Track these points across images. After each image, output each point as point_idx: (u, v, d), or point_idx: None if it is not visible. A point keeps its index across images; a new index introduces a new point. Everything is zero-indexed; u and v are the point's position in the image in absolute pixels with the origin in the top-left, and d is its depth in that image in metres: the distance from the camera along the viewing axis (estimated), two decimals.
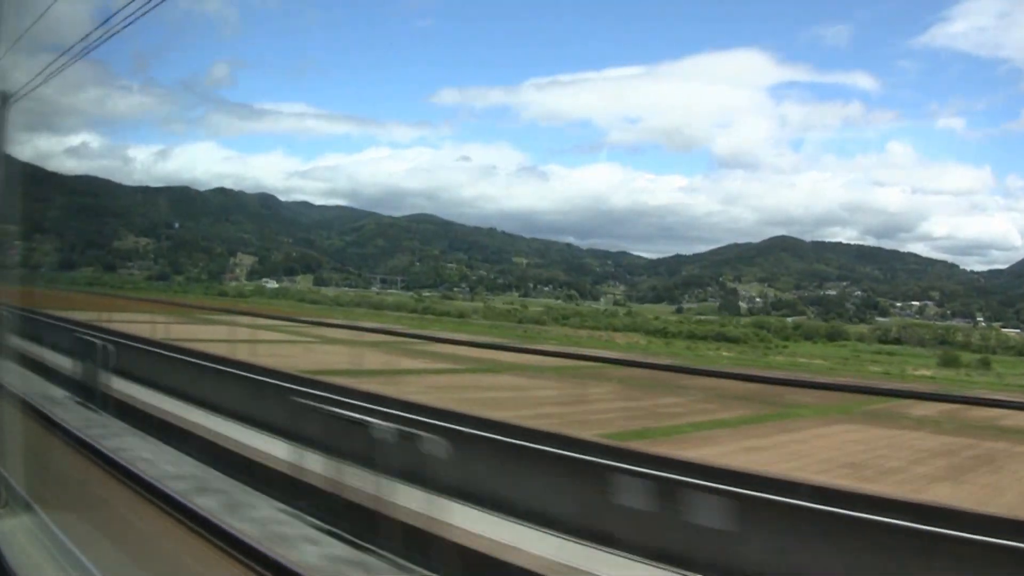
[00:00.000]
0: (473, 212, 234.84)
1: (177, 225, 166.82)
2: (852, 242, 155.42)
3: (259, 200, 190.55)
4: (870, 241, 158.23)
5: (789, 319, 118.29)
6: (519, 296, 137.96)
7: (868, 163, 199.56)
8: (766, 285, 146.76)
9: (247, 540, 9.79)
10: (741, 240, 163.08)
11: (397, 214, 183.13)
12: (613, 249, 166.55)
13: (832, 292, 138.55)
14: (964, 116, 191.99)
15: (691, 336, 78.92)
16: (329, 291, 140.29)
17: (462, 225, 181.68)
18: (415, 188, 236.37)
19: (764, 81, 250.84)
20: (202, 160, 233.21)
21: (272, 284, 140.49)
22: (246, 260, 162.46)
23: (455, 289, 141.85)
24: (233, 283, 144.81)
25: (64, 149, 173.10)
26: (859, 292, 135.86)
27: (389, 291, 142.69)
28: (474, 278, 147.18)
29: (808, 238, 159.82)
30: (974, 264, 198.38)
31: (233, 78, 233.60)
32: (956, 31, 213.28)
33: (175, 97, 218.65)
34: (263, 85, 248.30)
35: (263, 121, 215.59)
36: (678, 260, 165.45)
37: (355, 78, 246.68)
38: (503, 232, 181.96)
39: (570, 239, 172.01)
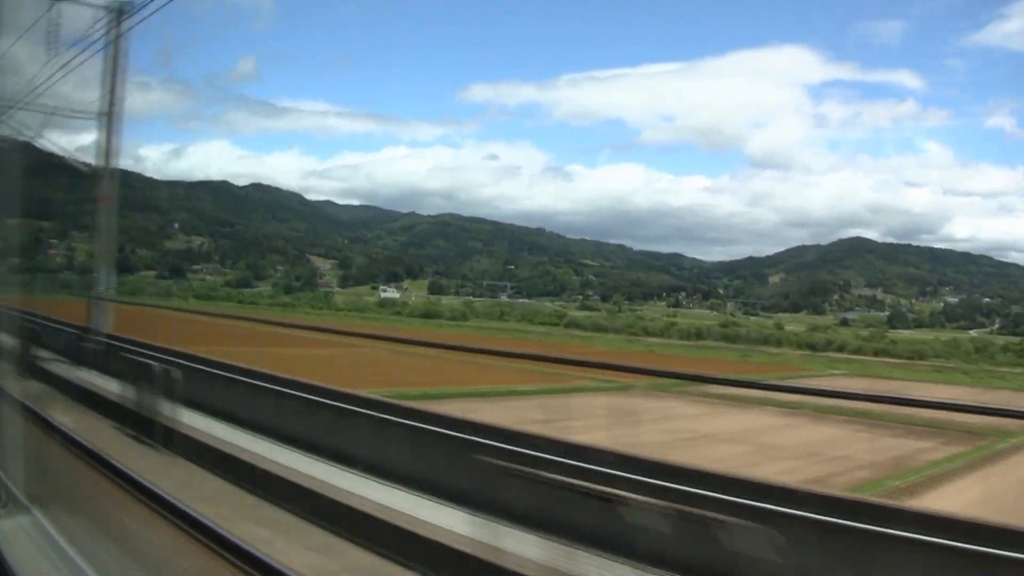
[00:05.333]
0: (491, 212, 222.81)
1: (177, 226, 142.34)
2: (922, 244, 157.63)
3: (296, 199, 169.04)
4: (889, 240, 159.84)
5: (972, 332, 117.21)
6: (668, 307, 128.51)
7: (903, 163, 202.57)
8: (879, 290, 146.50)
9: (247, 547, 8.66)
10: (765, 245, 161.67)
11: (424, 212, 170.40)
12: (664, 250, 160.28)
13: (951, 299, 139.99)
14: (1015, 116, 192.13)
15: None
16: (453, 300, 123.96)
17: (512, 225, 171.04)
18: (433, 188, 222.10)
19: (807, 79, 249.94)
20: (215, 159, 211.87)
21: (390, 293, 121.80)
22: (316, 262, 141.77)
23: (590, 297, 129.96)
24: (327, 291, 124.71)
25: (75, 148, 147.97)
26: (987, 299, 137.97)
27: (518, 300, 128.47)
28: (594, 283, 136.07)
29: (825, 240, 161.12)
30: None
31: (258, 74, 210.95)
32: (1011, 29, 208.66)
33: (195, 93, 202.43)
34: (287, 82, 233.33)
35: (283, 119, 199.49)
36: (754, 263, 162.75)
37: (380, 75, 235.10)
38: (551, 232, 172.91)
39: (586, 238, 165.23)
